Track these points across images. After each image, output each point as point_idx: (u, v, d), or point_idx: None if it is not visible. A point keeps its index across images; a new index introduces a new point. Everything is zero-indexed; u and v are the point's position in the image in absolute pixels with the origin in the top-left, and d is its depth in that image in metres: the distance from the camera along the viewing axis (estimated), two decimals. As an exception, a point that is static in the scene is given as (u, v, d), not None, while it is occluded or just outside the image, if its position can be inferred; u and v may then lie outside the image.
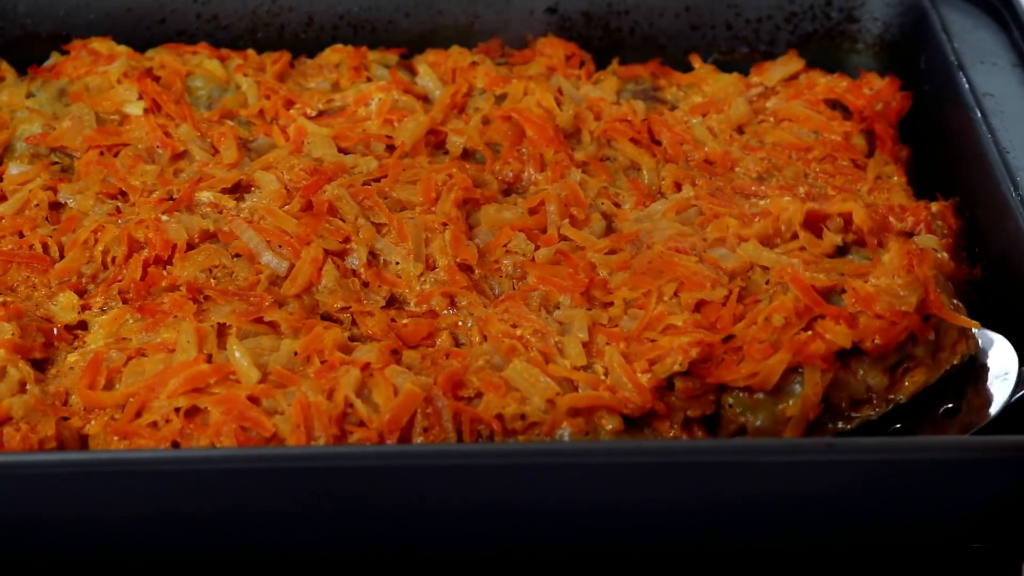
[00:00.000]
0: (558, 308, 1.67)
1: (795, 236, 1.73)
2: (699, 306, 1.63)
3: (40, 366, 1.62)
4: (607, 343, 1.60)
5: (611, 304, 1.66)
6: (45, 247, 1.77)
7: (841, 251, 1.72)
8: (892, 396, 1.63)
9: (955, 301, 1.68)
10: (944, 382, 1.66)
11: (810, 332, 1.58)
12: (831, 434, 1.62)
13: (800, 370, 1.58)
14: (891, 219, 1.86)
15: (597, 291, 1.68)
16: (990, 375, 1.68)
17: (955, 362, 1.65)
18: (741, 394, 1.58)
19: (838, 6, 2.24)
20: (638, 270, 1.69)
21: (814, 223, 1.74)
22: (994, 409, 1.65)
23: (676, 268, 1.67)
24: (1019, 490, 1.50)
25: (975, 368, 1.68)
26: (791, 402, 1.58)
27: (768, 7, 2.24)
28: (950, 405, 1.66)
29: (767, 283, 1.64)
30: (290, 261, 1.71)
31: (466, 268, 1.73)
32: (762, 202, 1.83)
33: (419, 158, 1.91)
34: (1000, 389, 1.67)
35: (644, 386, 1.55)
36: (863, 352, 1.60)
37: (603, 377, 1.57)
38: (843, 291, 1.61)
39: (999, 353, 1.70)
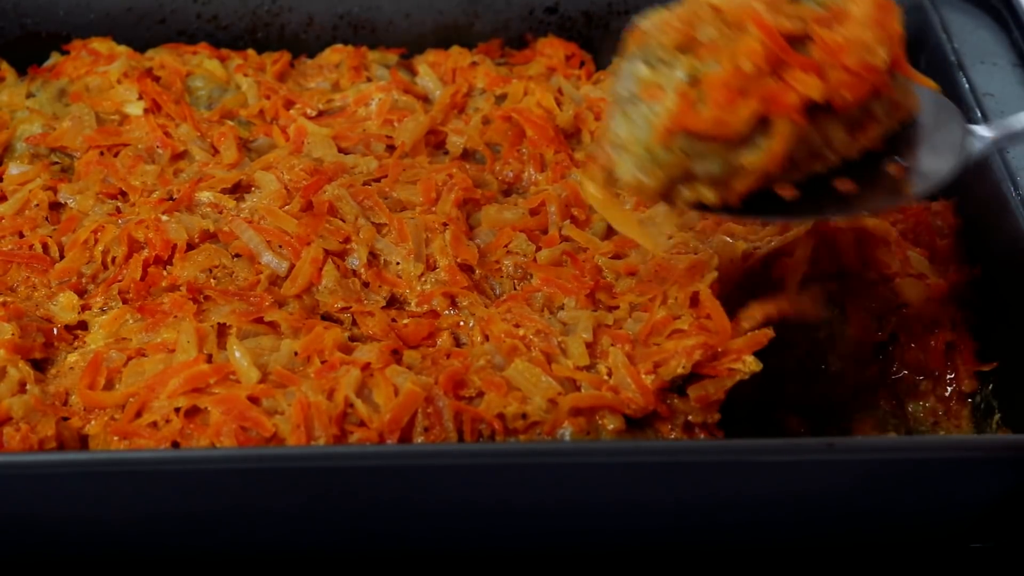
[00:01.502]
0: (562, 309, 1.67)
1: None
2: (694, 300, 1.63)
3: (40, 366, 1.62)
4: (612, 344, 1.60)
5: (616, 307, 1.66)
6: (45, 247, 1.77)
7: None
8: (845, 153, 1.56)
9: None
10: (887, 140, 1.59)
11: (780, 82, 1.48)
12: (775, 185, 1.52)
13: (763, 121, 1.48)
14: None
15: (602, 294, 1.68)
16: (939, 139, 1.62)
17: (903, 119, 1.59)
18: (694, 140, 1.48)
19: (838, 6, 2.24)
20: (644, 277, 1.69)
21: (824, 227, 1.72)
22: (946, 169, 1.59)
23: (674, 271, 1.67)
24: (1019, 490, 1.50)
25: (917, 129, 1.61)
26: (752, 154, 1.49)
27: (768, 7, 2.24)
28: (899, 159, 1.59)
29: (725, 23, 1.48)
30: (290, 261, 1.71)
31: (467, 268, 1.73)
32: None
33: (419, 158, 1.91)
34: (950, 153, 1.61)
35: (647, 387, 1.55)
36: (826, 106, 1.50)
37: (606, 378, 1.57)
38: (807, 39, 1.51)
39: (946, 117, 1.64)
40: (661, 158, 1.49)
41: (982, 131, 1.63)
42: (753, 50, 1.46)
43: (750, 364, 1.56)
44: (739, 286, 1.70)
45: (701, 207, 1.53)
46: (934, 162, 1.60)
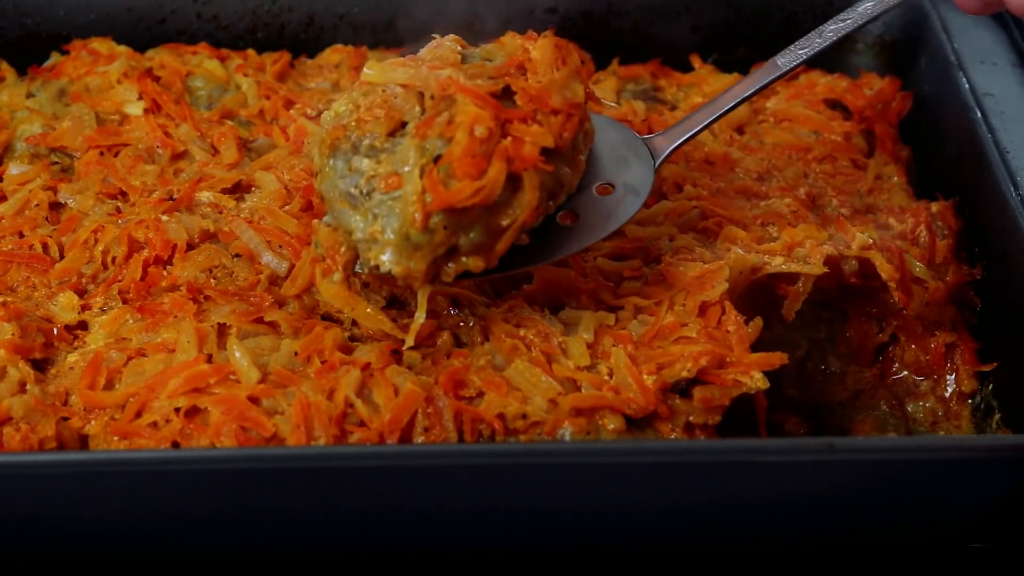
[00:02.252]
0: (563, 309, 1.67)
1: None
2: (703, 309, 1.63)
3: (40, 366, 1.62)
4: (614, 344, 1.59)
5: (620, 308, 1.65)
6: (45, 247, 1.77)
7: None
8: (571, 188, 1.62)
9: None
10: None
11: (510, 138, 1.53)
12: (527, 228, 1.57)
13: (509, 179, 1.52)
14: (892, 220, 1.86)
15: (605, 294, 1.68)
16: (627, 154, 1.70)
17: (590, 144, 1.66)
18: (452, 215, 1.51)
19: (838, 6, 2.24)
20: (651, 280, 1.68)
21: (831, 263, 1.74)
22: (648, 180, 1.68)
23: (683, 278, 1.67)
24: (1019, 490, 1.50)
25: (607, 151, 1.69)
26: (509, 211, 1.53)
27: (768, 7, 2.24)
28: (607, 183, 1.66)
29: (431, 98, 1.54)
30: (290, 261, 1.71)
31: (466, 268, 1.73)
32: (763, 203, 1.83)
33: (419, 158, 1.90)
34: (640, 164, 1.69)
35: (649, 387, 1.54)
36: (552, 149, 1.55)
37: (607, 378, 1.56)
38: (510, 93, 1.56)
39: (623, 135, 1.74)
40: (422, 240, 1.52)
41: (657, 140, 1.72)
42: (480, 116, 1.51)
43: (757, 380, 1.56)
44: (741, 295, 1.70)
45: (467, 275, 1.56)
46: (634, 175, 1.68)
